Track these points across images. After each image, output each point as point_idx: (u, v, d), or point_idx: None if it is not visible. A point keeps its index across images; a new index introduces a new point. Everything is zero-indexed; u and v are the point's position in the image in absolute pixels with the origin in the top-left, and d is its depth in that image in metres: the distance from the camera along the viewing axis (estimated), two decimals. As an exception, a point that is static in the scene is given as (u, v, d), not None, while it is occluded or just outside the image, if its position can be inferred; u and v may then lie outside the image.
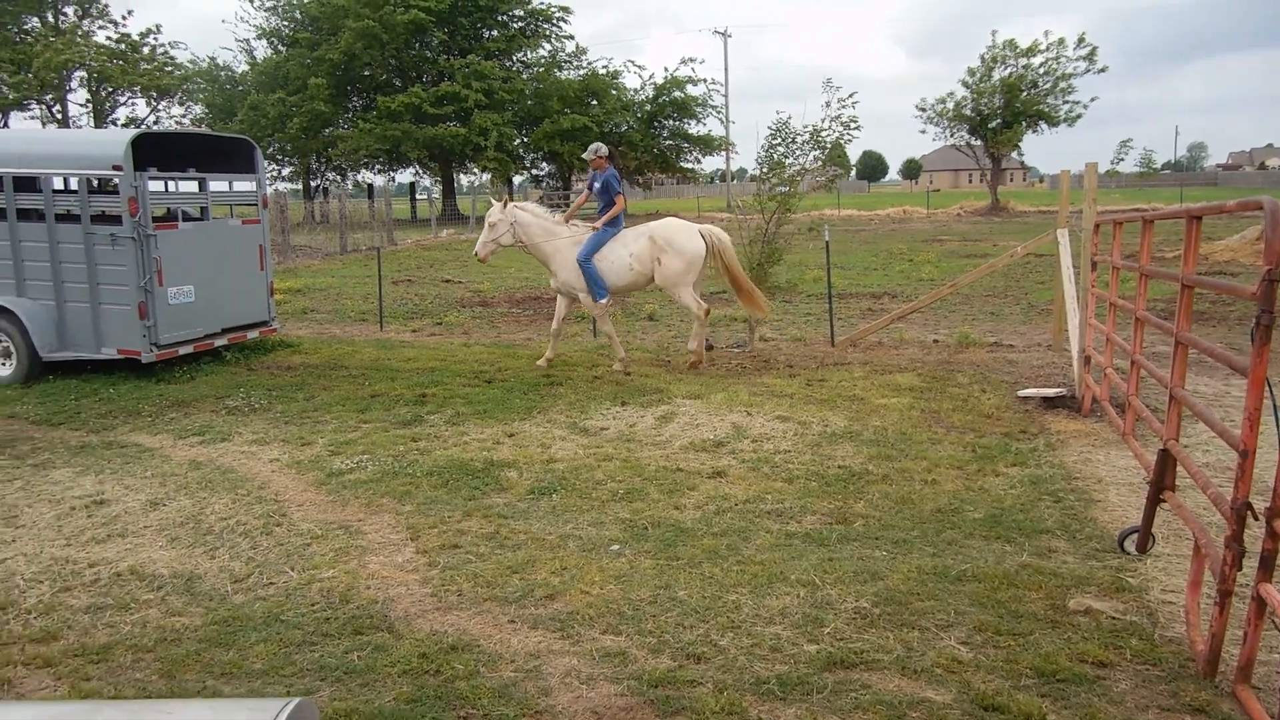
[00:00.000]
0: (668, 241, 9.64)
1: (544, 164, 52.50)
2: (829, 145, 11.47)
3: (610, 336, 9.96)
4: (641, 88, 49.82)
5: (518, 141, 47.02)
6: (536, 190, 52.30)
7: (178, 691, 3.62)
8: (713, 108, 50.38)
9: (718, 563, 4.77)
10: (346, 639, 4.03)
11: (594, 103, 47.20)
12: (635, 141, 47.98)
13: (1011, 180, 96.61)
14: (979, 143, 49.62)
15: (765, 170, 11.45)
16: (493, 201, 9.94)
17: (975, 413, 7.79)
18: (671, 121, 50.37)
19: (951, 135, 50.21)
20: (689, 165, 52.99)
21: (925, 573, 4.58)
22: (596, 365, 9.91)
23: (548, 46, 49.78)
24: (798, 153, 11.31)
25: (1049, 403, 8.05)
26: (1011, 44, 47.56)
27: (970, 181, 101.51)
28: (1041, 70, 47.22)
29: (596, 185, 10.08)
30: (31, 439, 7.48)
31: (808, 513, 5.50)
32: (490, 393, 8.66)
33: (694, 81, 48.73)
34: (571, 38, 51.71)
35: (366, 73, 46.78)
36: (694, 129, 50.57)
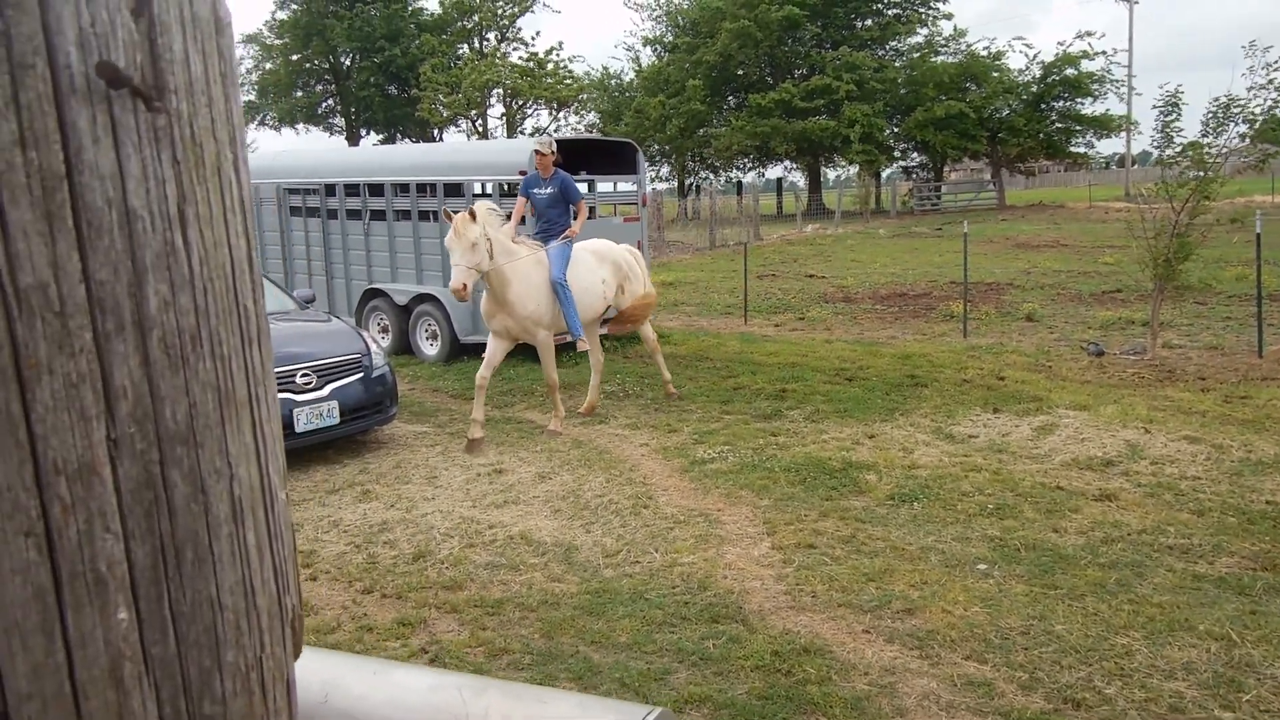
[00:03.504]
0: (630, 265, 8.31)
1: (915, 154, 50.61)
2: (1257, 119, 9.75)
3: (554, 387, 7.61)
4: (1027, 67, 46.07)
5: (887, 132, 45.76)
6: (906, 182, 50.59)
7: (555, 652, 3.97)
8: (1112, 83, 45.24)
9: (1104, 599, 4.26)
10: (703, 625, 4.16)
11: (972, 87, 44.54)
12: (1018, 126, 44.41)
13: None
14: None
15: (1172, 152, 10.00)
16: (451, 215, 7.05)
17: None
18: (1061, 102, 46.01)
19: None
20: (1080, 149, 48.09)
21: (1387, 644, 3.72)
22: (965, 367, 9.34)
23: (924, 31, 47.85)
24: (1217, 129, 9.72)
25: None
26: None
27: None
28: None
29: (546, 191, 7.75)
30: (449, 410, 8.64)
31: (1223, 553, 4.72)
32: (850, 391, 8.51)
33: (1089, 56, 44.09)
34: (950, 17, 48.90)
35: (740, 72, 48.23)
36: (1088, 109, 45.78)
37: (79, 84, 0.51)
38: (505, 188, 11.25)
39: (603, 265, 8.03)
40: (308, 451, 7.10)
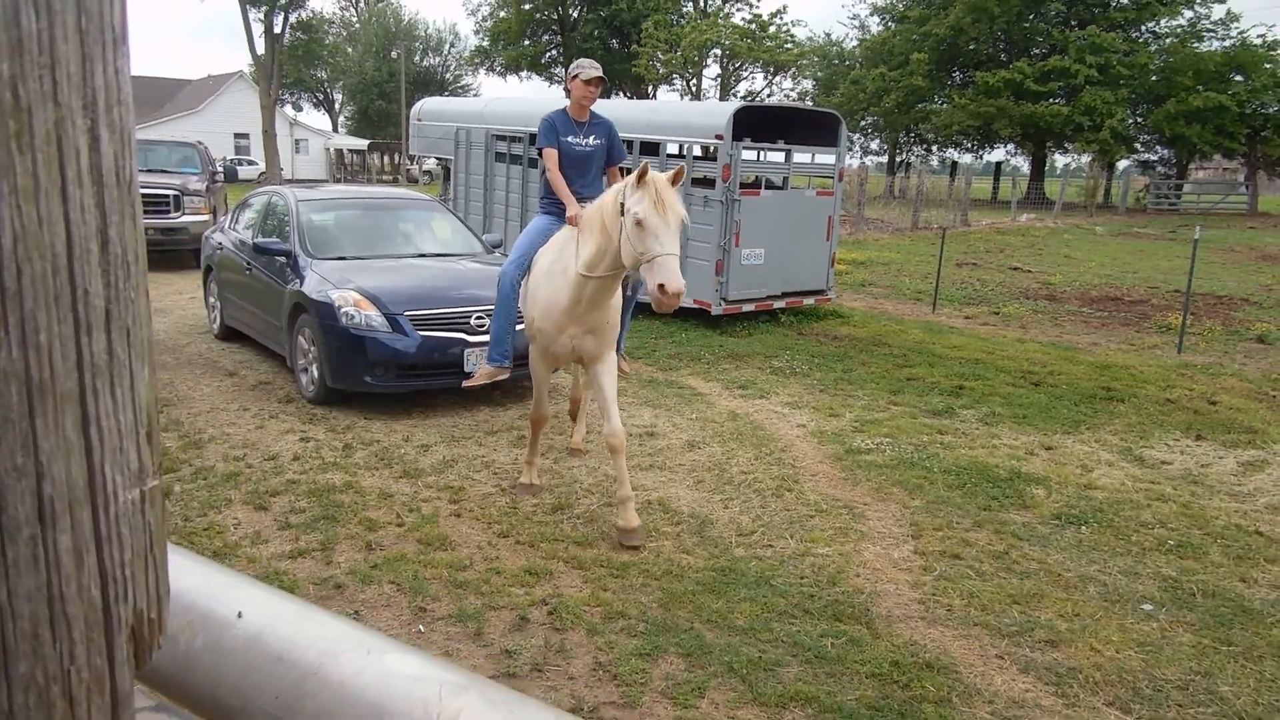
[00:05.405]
0: None
1: (1158, 148, 46.20)
2: None
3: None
4: (1308, 59, 40.83)
5: (1129, 122, 41.93)
6: (1142, 178, 46.35)
7: (669, 624, 3.95)
8: None
9: (1286, 666, 3.77)
10: (825, 622, 4.02)
11: (1237, 78, 39.97)
12: (1288, 125, 39.59)
13: None
14: None
15: None
16: (641, 173, 4.39)
17: None
18: (1347, 100, 40.45)
19: None
20: (1360, 156, 42.17)
21: None
22: (1172, 386, 8.48)
23: (1188, 14, 43.20)
24: None
25: None
26: None
27: None
28: None
29: (587, 143, 5.54)
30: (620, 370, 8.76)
31: None
32: (1034, 396, 7.93)
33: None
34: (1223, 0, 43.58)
35: (971, 47, 45.57)
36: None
37: None
38: (704, 151, 11.20)
39: None
40: (475, 392, 7.40)
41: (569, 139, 5.50)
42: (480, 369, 5.71)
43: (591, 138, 5.58)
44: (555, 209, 5.47)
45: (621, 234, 4.46)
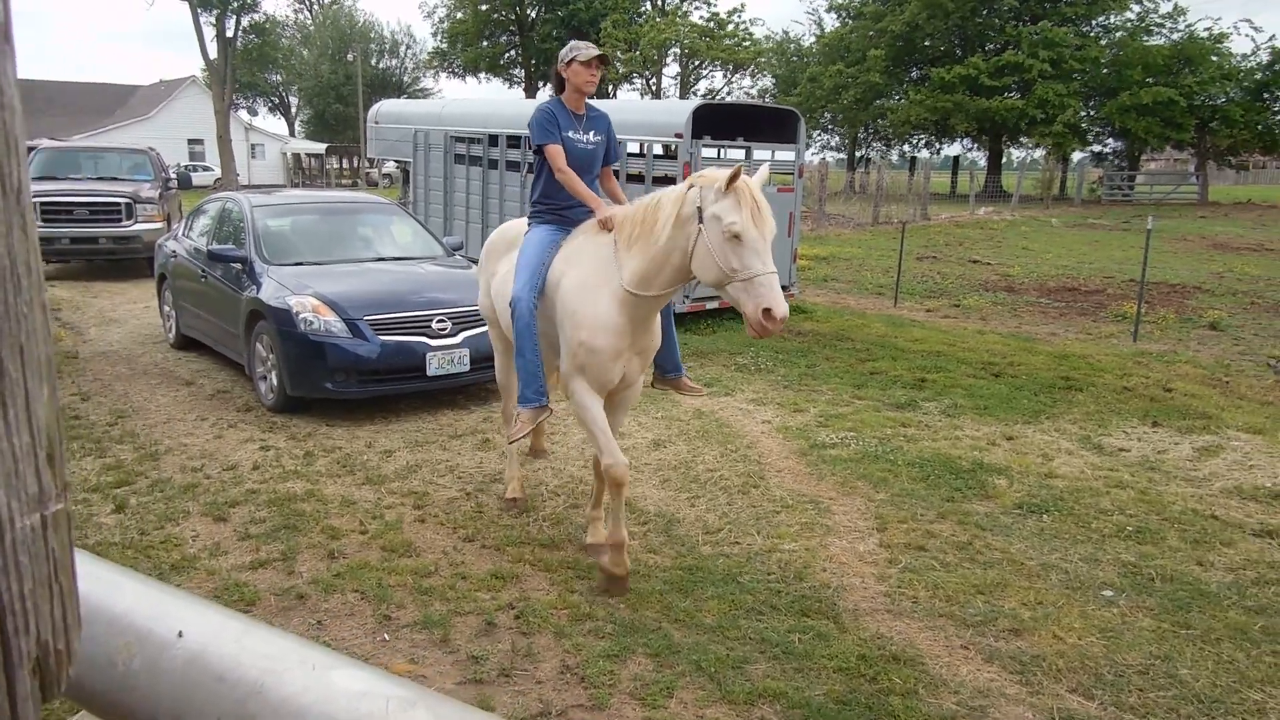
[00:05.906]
0: None
1: (1110, 140, 47.00)
2: None
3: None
4: (1253, 53, 41.75)
5: (1082, 114, 42.64)
6: (1095, 170, 47.15)
7: (637, 625, 3.94)
8: (1354, 74, 40.26)
9: (1243, 646, 3.84)
10: (792, 618, 4.03)
11: (1185, 72, 40.77)
12: (1234, 117, 40.37)
13: None
14: None
15: None
16: (735, 178, 3.75)
17: None
18: (1290, 91, 41.40)
19: None
20: (1306, 145, 43.20)
21: None
22: (1129, 374, 8.63)
23: (1137, 8, 44.01)
24: None
25: None
26: None
27: None
28: None
29: (589, 139, 4.65)
30: (580, 368, 8.73)
31: (1397, 614, 4.17)
32: (995, 388, 8.02)
33: (1330, 42, 39.37)
34: (1170, -7, 44.25)
35: (927, 43, 46.06)
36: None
37: None
38: (665, 149, 11.19)
39: None
40: (438, 395, 7.35)
41: (570, 134, 4.58)
42: (520, 417, 4.55)
43: (593, 133, 4.68)
44: (555, 217, 4.63)
45: (699, 245, 3.83)
